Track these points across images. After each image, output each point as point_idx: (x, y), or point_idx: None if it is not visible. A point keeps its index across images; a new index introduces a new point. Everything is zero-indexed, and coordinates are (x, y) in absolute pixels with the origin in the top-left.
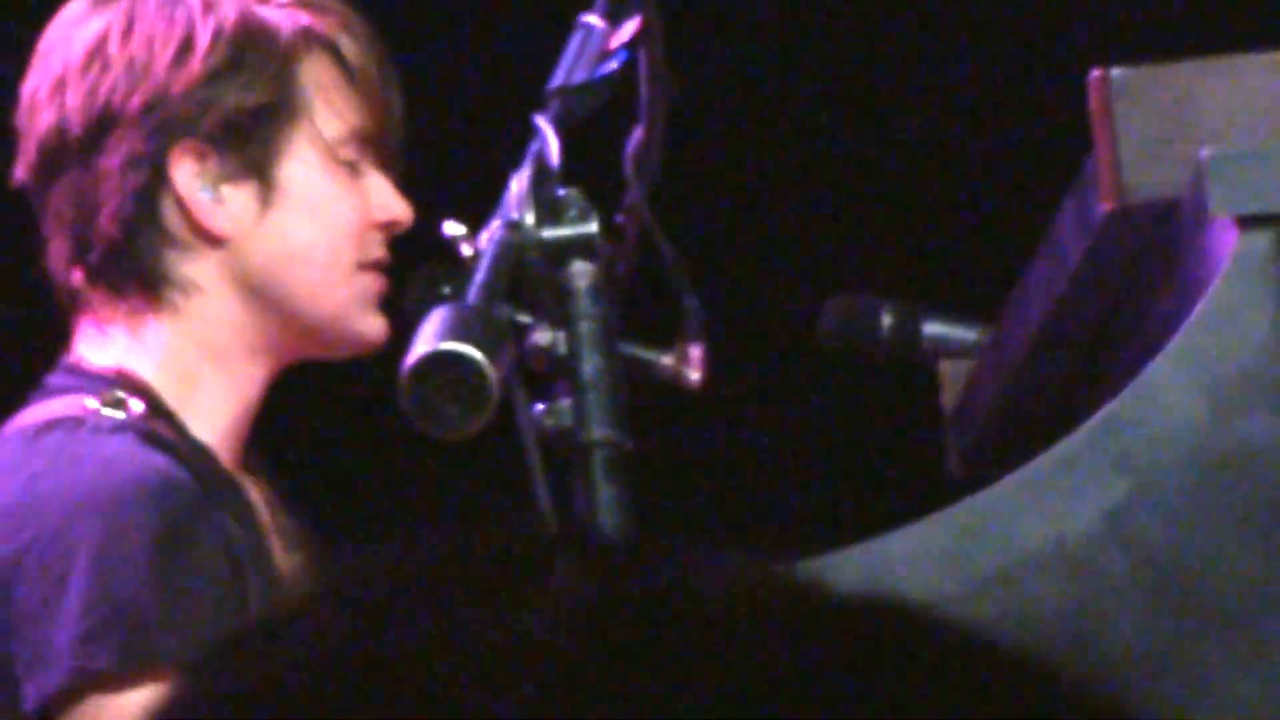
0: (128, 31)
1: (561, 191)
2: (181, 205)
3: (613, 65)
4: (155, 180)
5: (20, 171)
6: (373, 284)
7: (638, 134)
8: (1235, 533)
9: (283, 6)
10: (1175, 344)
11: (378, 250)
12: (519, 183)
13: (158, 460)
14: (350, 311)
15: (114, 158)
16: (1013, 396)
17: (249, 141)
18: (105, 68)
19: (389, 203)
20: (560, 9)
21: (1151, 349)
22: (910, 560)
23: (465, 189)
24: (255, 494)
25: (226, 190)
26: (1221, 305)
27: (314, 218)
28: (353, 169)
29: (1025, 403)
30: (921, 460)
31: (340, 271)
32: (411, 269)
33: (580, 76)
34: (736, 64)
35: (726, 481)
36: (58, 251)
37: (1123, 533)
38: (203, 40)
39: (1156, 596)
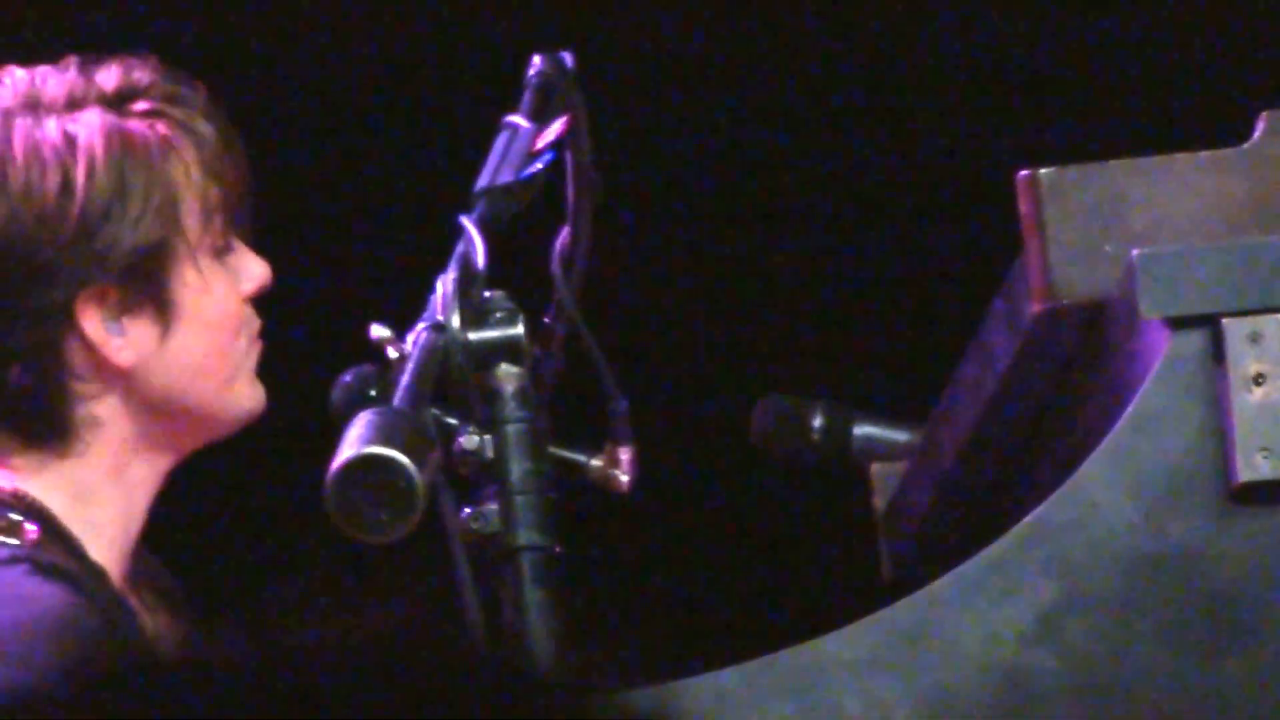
0: (2, 174)
1: (488, 294)
2: (87, 346)
3: (538, 166)
4: (63, 329)
5: None
6: (252, 356)
7: (564, 234)
8: (1166, 636)
9: (140, 113)
10: (1106, 446)
11: (254, 322)
12: (445, 285)
13: (56, 593)
14: (243, 394)
15: (21, 313)
16: (944, 499)
17: (147, 274)
18: None
19: (254, 271)
20: (486, 109)
21: (1083, 451)
22: (846, 664)
23: (391, 291)
24: (140, 606)
25: (127, 321)
26: (1152, 408)
27: (207, 328)
28: (221, 253)
29: (956, 505)
30: (853, 563)
31: (233, 365)
32: (337, 372)
33: (506, 177)
34: (664, 163)
35: (656, 585)
36: None
37: (1054, 636)
38: (78, 178)
39: (1087, 700)
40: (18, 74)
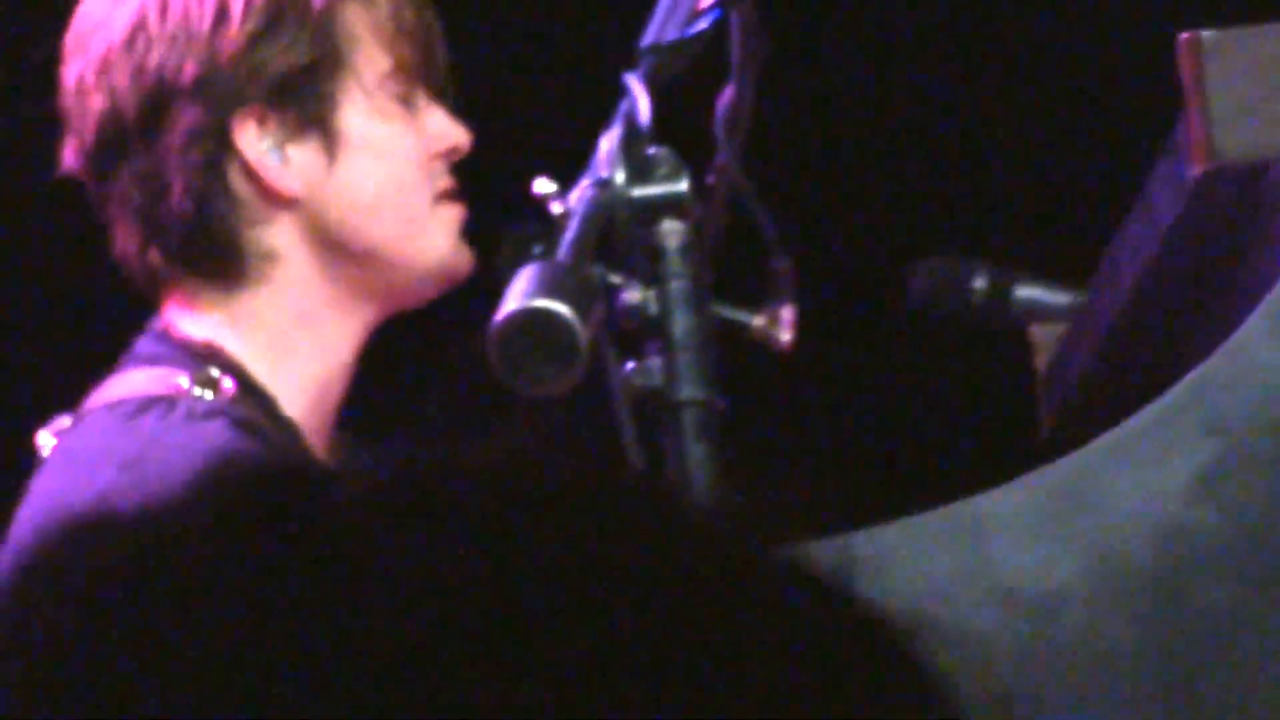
0: (164, 7)
1: (652, 150)
2: (250, 172)
3: (704, 24)
4: (220, 151)
5: (73, 159)
6: (452, 214)
7: (729, 93)
8: None
9: None
10: (1266, 307)
11: (444, 180)
12: (609, 141)
13: (252, 450)
14: (434, 246)
15: (175, 135)
16: (1105, 359)
17: (304, 98)
18: (149, 44)
19: (445, 130)
20: None
21: (1244, 311)
22: (1004, 522)
23: (556, 147)
24: None
25: (291, 149)
26: None
27: (379, 159)
28: (405, 102)
29: (1117, 365)
30: (1015, 423)
31: (417, 209)
32: (503, 228)
33: (671, 35)
34: (830, 22)
35: (817, 443)
36: (127, 237)
37: (1214, 494)
38: (236, 6)
39: (1247, 558)
40: None
